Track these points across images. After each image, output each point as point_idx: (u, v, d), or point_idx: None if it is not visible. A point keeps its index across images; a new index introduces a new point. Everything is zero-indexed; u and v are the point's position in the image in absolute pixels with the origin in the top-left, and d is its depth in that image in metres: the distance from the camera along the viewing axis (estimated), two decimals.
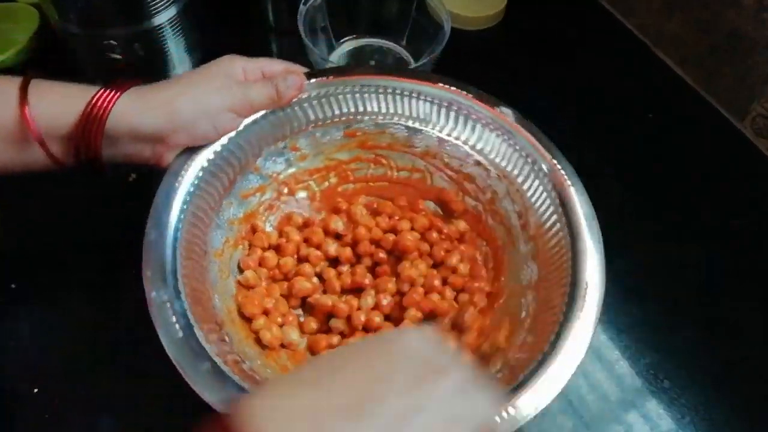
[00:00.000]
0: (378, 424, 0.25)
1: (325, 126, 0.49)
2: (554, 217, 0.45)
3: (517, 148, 0.48)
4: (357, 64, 0.65)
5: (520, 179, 0.48)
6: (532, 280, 0.45)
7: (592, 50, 0.71)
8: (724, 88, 0.65)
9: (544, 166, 0.47)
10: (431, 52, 0.58)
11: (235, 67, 0.44)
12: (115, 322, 0.47)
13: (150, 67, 0.60)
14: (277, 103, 0.46)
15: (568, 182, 0.46)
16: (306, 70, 0.49)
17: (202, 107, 0.42)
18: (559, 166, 0.46)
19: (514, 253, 0.48)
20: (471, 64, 0.64)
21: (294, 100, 0.47)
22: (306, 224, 0.50)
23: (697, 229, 0.57)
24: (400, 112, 0.50)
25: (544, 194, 0.46)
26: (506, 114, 0.48)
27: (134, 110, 0.40)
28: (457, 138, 0.49)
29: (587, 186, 0.45)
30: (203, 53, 0.64)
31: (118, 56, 0.57)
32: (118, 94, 0.40)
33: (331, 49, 0.65)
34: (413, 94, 0.49)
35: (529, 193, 0.47)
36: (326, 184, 0.52)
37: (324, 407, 0.25)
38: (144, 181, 0.54)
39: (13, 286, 0.48)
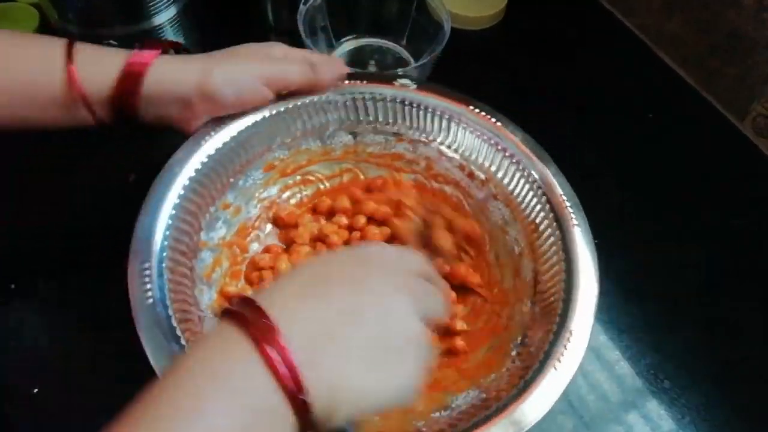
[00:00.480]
0: (368, 327, 0.29)
1: (243, 171, 0.48)
2: (498, 155, 0.48)
3: (429, 110, 0.49)
4: (356, 66, 0.65)
5: (446, 138, 0.49)
6: (507, 217, 0.48)
7: (592, 50, 0.71)
8: (725, 88, 0.65)
9: (461, 116, 0.49)
10: (431, 52, 0.58)
11: (276, 47, 0.45)
12: (115, 321, 0.47)
13: None
14: (314, 86, 0.46)
15: (492, 119, 0.48)
16: (348, 70, 0.49)
17: (231, 72, 0.43)
18: (475, 110, 0.48)
19: (473, 203, 0.50)
20: (471, 64, 0.64)
21: (332, 88, 0.47)
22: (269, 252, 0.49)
23: (697, 229, 0.57)
24: (306, 128, 0.49)
25: (476, 140, 0.48)
26: (407, 84, 0.49)
27: (171, 72, 0.42)
28: (373, 126, 0.50)
29: (587, 186, 0.45)
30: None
31: None
32: (157, 52, 0.41)
33: (331, 49, 0.65)
34: (311, 108, 0.48)
35: (461, 148, 0.49)
36: (269, 227, 0.50)
37: (327, 312, 0.29)
38: (143, 181, 0.54)
39: (12, 286, 0.48)
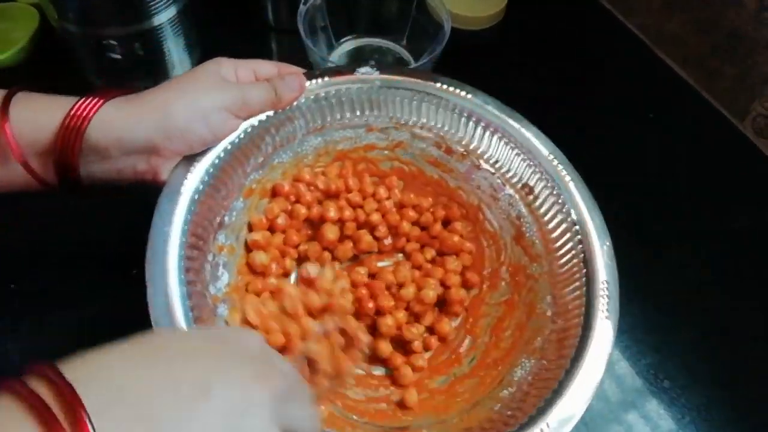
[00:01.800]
0: (214, 410, 0.23)
1: (227, 206, 0.44)
2: (474, 126, 0.48)
3: (396, 94, 0.49)
4: (354, 63, 0.65)
5: (418, 119, 0.49)
6: (495, 184, 0.48)
7: (592, 50, 0.71)
8: (725, 88, 0.65)
9: (429, 95, 0.48)
10: (431, 52, 0.58)
11: (225, 68, 0.42)
12: (114, 322, 0.47)
13: (150, 67, 0.60)
14: (276, 106, 0.44)
15: (462, 92, 0.48)
16: (302, 70, 0.47)
17: (195, 109, 0.39)
18: (443, 86, 0.48)
19: (457, 175, 0.50)
20: (471, 64, 0.64)
21: (294, 102, 0.45)
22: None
23: (697, 229, 0.57)
24: (275, 142, 0.47)
25: (448, 114, 0.49)
26: (368, 73, 0.48)
27: (121, 119, 0.37)
28: (340, 122, 0.49)
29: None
30: (203, 53, 0.63)
31: (118, 56, 0.57)
32: (100, 102, 0.37)
33: (330, 48, 0.65)
34: (276, 121, 0.46)
35: (435, 126, 0.49)
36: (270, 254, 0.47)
37: (158, 385, 0.23)
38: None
39: (12, 286, 0.48)
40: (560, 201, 0.45)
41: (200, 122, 0.40)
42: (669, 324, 0.51)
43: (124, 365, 0.24)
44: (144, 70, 0.60)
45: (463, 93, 0.48)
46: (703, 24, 0.65)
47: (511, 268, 0.47)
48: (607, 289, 0.40)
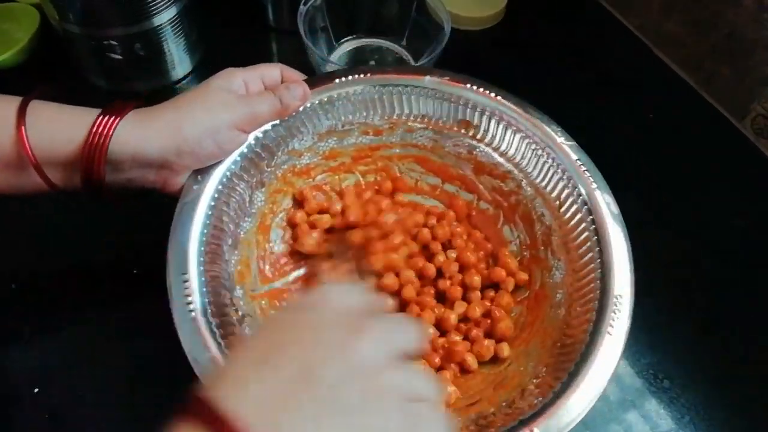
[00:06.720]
0: (324, 385, 0.27)
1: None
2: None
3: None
4: (357, 64, 0.65)
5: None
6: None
7: (591, 50, 0.71)
8: (724, 88, 0.65)
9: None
10: (431, 53, 0.58)
11: (235, 80, 0.44)
12: (113, 321, 0.47)
13: (150, 67, 0.60)
14: (282, 114, 0.46)
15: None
16: (303, 76, 0.48)
17: (205, 127, 0.41)
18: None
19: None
20: (471, 65, 0.64)
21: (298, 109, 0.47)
22: None
23: (697, 229, 0.57)
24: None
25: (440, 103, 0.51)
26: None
27: (137, 136, 0.39)
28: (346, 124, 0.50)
29: None
30: (203, 53, 0.64)
31: (119, 56, 0.57)
32: (119, 118, 0.39)
33: (331, 49, 0.65)
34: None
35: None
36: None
37: (279, 382, 0.27)
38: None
39: (13, 286, 0.48)
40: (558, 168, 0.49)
41: (209, 140, 0.42)
42: (668, 323, 0.51)
43: (258, 377, 0.27)
44: (144, 70, 0.60)
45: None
46: (702, 25, 0.65)
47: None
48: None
